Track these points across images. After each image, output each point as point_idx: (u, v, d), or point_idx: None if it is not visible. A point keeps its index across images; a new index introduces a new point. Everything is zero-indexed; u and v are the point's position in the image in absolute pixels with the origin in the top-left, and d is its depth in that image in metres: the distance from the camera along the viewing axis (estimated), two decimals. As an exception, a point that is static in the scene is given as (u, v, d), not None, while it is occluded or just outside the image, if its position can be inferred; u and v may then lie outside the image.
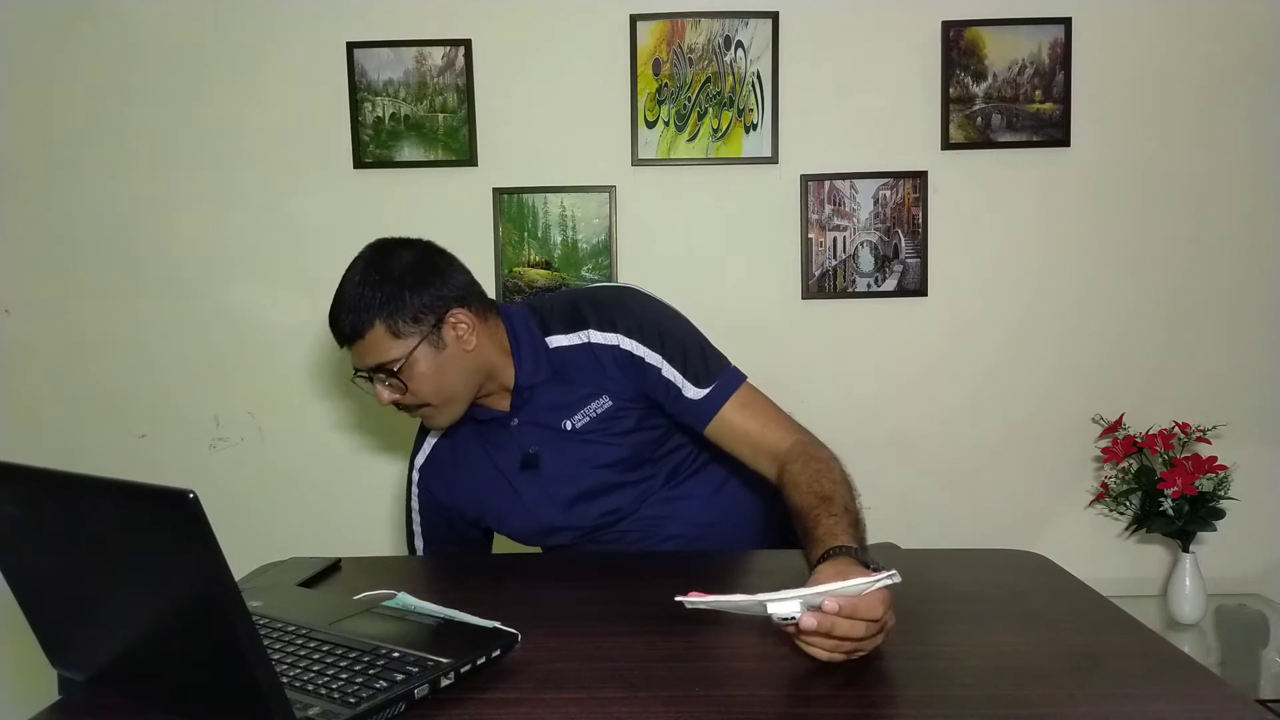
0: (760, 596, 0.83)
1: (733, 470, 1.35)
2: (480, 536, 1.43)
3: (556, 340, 1.28)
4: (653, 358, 1.25)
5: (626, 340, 1.25)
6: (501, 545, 2.10)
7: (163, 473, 2.09)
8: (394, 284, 1.18)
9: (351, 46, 2.05)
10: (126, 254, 2.11)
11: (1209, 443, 1.96)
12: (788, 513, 1.12)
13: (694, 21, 2.04)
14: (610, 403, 1.27)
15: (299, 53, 2.07)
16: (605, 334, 1.26)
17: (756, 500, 1.38)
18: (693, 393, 1.23)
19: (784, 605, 0.82)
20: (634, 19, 2.04)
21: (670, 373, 1.24)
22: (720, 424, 1.23)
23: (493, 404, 1.30)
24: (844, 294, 2.08)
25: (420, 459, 1.38)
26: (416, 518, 1.39)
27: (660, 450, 1.34)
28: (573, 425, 1.28)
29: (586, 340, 1.27)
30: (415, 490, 1.38)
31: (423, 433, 1.38)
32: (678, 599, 0.86)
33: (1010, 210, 2.07)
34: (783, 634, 0.91)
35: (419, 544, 1.41)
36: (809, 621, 0.81)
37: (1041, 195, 2.07)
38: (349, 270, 1.21)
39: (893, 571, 0.84)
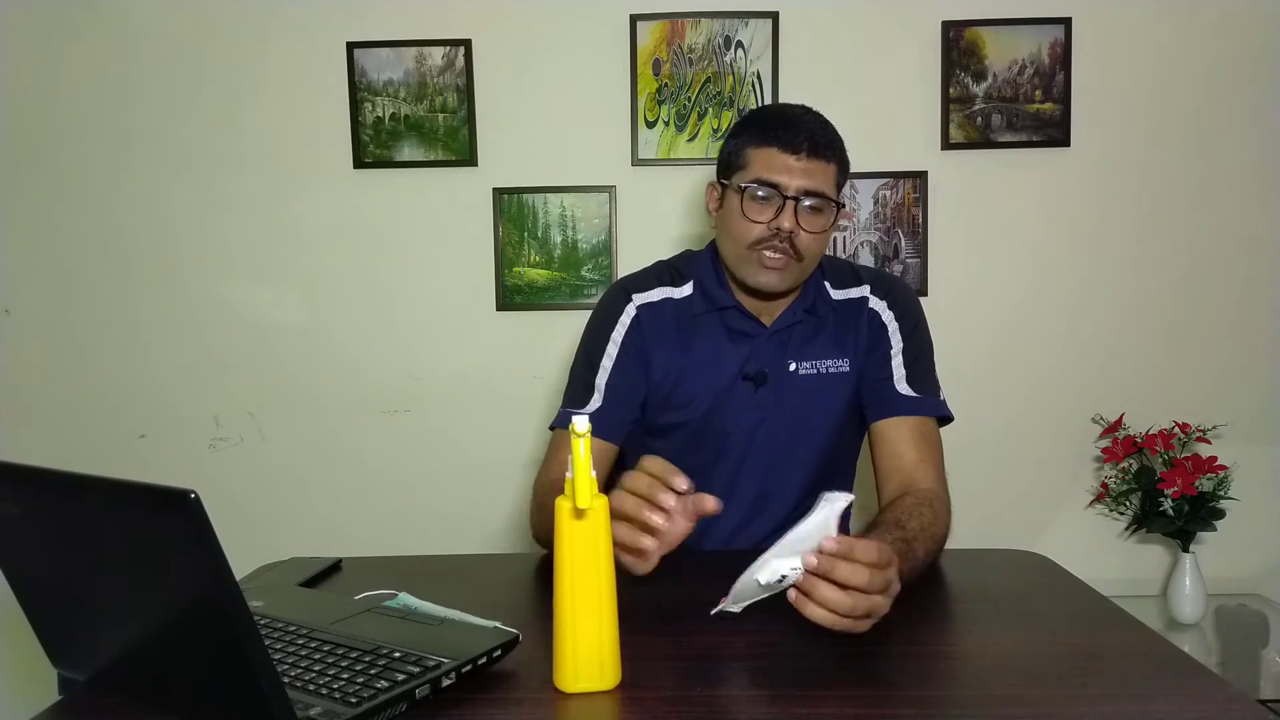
0: (748, 574, 0.86)
1: None
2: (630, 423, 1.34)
3: (836, 292, 1.34)
4: (895, 338, 1.31)
5: (888, 312, 1.32)
6: (503, 543, 2.11)
7: (163, 473, 2.09)
8: (844, 148, 1.26)
9: (351, 46, 2.05)
10: (127, 254, 2.11)
11: (1209, 443, 1.97)
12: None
13: (694, 21, 2.04)
14: (847, 369, 1.31)
15: (299, 53, 2.07)
16: (875, 297, 1.33)
17: None
18: (902, 387, 1.28)
19: (766, 570, 0.85)
20: (634, 19, 2.04)
21: (897, 361, 1.29)
22: (894, 428, 1.26)
23: (755, 310, 1.31)
24: (844, 294, 2.08)
25: (641, 297, 1.32)
26: (613, 349, 1.30)
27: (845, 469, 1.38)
28: (799, 370, 1.30)
29: (860, 296, 1.33)
30: (627, 319, 1.31)
31: (645, 284, 1.35)
32: (713, 612, 0.89)
33: (1010, 210, 2.07)
34: (784, 632, 0.91)
35: (601, 378, 1.29)
36: (810, 560, 0.83)
37: (1041, 195, 2.07)
38: (804, 108, 1.27)
39: (843, 494, 0.86)
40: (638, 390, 1.31)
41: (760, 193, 1.22)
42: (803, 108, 1.27)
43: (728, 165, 1.29)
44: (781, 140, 1.21)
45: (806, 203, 1.21)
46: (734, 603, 0.89)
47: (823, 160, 1.22)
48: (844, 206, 1.27)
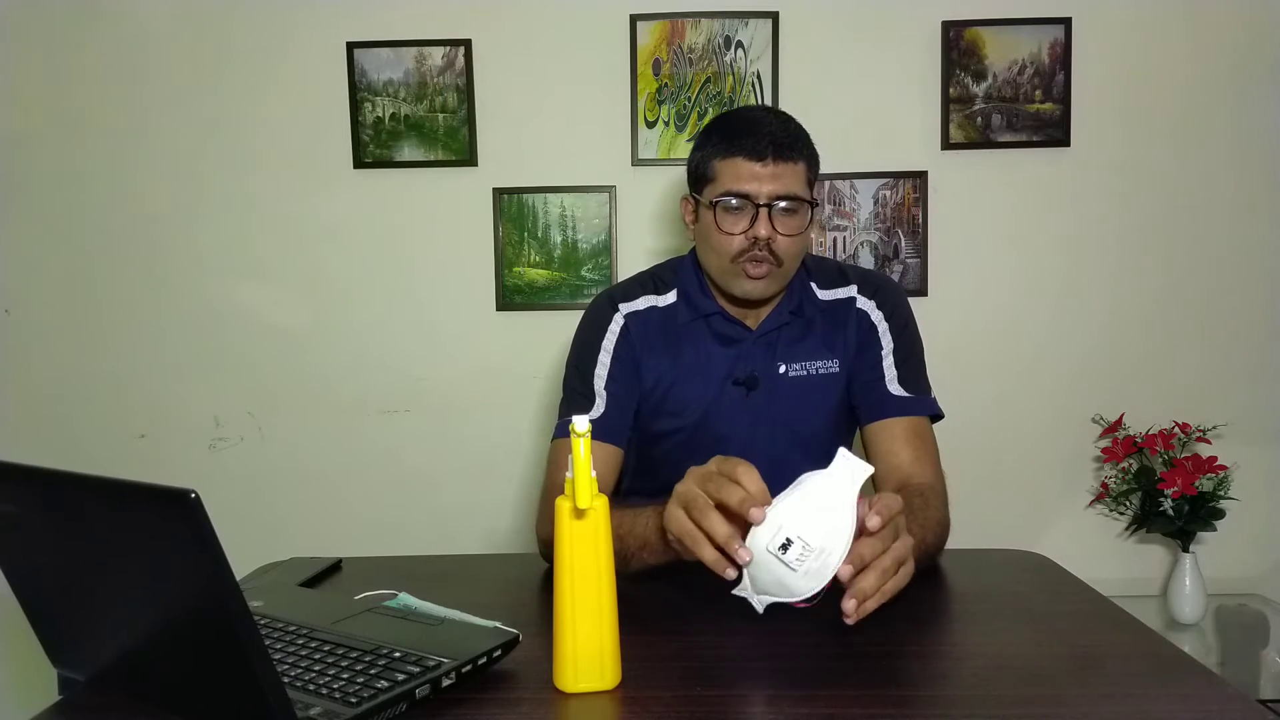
0: (754, 536, 0.85)
1: None
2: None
3: (822, 293, 1.34)
4: (886, 338, 1.31)
5: (876, 312, 1.32)
6: (503, 543, 2.11)
7: (163, 473, 2.10)
8: (811, 143, 1.25)
9: (351, 46, 2.05)
10: (127, 254, 2.11)
11: (1209, 443, 1.97)
12: None
13: (694, 21, 2.04)
14: (836, 369, 1.31)
15: (299, 53, 2.07)
16: (863, 297, 1.33)
17: None
18: (894, 388, 1.28)
19: (771, 532, 0.83)
20: (634, 19, 2.04)
21: (888, 362, 1.29)
22: (889, 428, 1.26)
23: (738, 314, 1.31)
24: (844, 294, 2.08)
25: (627, 306, 1.33)
26: (605, 358, 1.30)
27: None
28: (789, 372, 1.30)
29: (848, 296, 1.33)
30: (616, 327, 1.32)
31: (630, 294, 1.35)
32: (734, 592, 0.87)
33: (1010, 210, 2.07)
34: (784, 632, 0.91)
35: (599, 384, 1.29)
36: (846, 571, 0.83)
37: (1041, 195, 2.07)
38: (764, 109, 1.25)
39: (864, 463, 0.87)
40: (633, 396, 1.32)
41: (733, 203, 1.21)
42: (763, 109, 1.26)
43: (697, 178, 1.28)
44: (746, 148, 1.20)
45: (781, 205, 1.21)
46: (755, 592, 0.86)
47: (789, 161, 1.21)
48: (818, 205, 1.26)
